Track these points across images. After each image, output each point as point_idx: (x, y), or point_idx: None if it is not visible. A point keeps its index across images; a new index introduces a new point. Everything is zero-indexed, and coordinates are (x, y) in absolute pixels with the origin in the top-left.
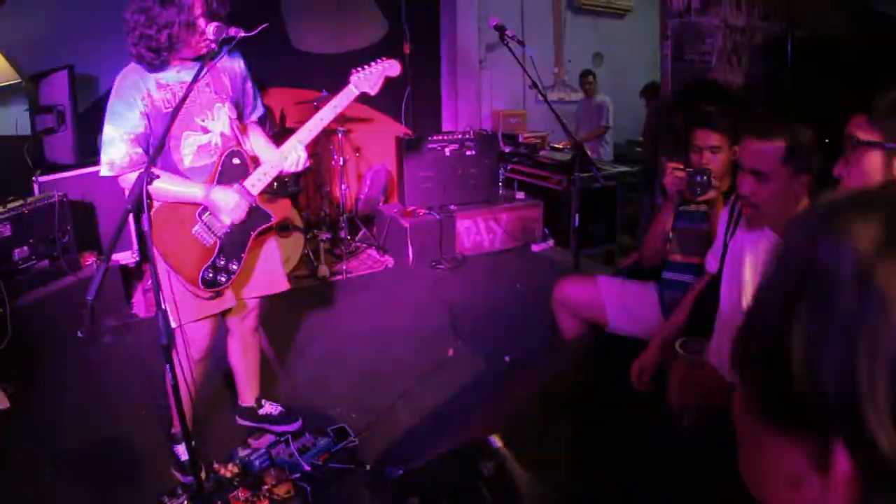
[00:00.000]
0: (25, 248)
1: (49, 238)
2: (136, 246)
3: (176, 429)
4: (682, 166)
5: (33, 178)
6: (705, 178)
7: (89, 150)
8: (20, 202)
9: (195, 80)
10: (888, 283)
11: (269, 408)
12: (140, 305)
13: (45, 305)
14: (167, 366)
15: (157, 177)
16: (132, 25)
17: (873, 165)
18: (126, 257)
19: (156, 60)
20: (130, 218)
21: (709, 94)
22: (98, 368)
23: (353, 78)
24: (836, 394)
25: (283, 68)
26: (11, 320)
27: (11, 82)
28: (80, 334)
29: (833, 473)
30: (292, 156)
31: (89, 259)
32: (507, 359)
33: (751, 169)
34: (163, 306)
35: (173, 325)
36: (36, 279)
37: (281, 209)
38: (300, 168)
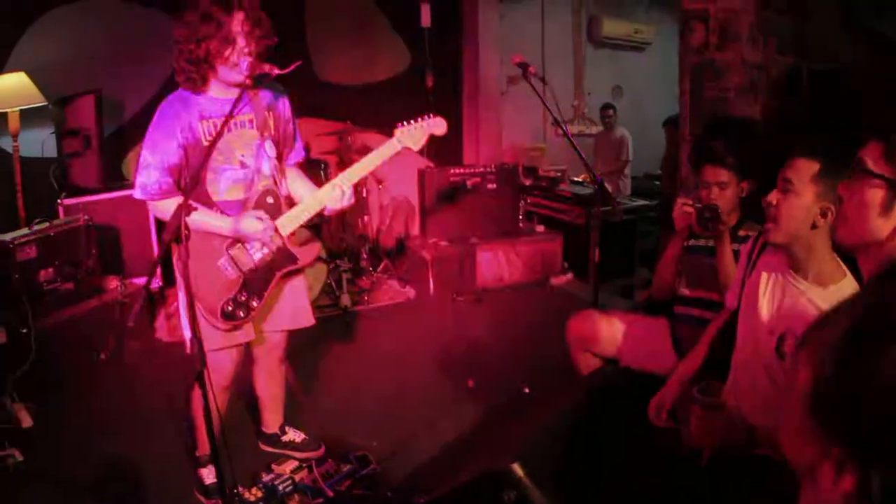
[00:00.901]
0: (51, 269)
1: (74, 261)
2: (159, 271)
3: (200, 452)
4: (690, 202)
5: (58, 201)
6: (713, 214)
7: (114, 174)
8: (46, 224)
9: (231, 112)
10: None
11: (293, 434)
12: (163, 330)
13: (69, 327)
14: (195, 390)
15: (195, 209)
16: (176, 39)
17: (874, 199)
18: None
19: (194, 73)
20: (154, 241)
21: (720, 130)
22: (120, 391)
23: (398, 132)
24: None
25: (307, 98)
26: (36, 340)
27: (37, 105)
28: (101, 357)
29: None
30: (336, 191)
31: (113, 282)
32: (525, 390)
33: (783, 178)
34: (199, 334)
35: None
36: (60, 301)
37: (309, 253)
38: (344, 204)
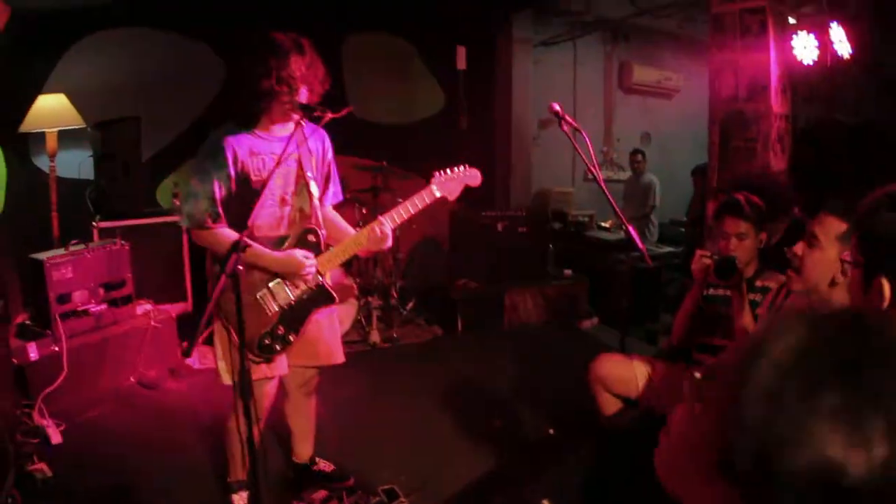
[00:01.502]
0: (85, 291)
1: (108, 283)
2: (190, 297)
3: (232, 478)
4: (709, 254)
5: (93, 223)
6: (730, 265)
7: (150, 200)
8: (82, 246)
9: (283, 154)
10: None
11: (323, 465)
12: (194, 356)
13: (101, 347)
14: (232, 419)
15: (250, 246)
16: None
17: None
18: (181, 308)
19: (249, 112)
20: (187, 267)
21: (743, 183)
22: (149, 414)
23: (435, 181)
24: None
25: (343, 136)
26: (67, 359)
27: (76, 126)
28: (131, 379)
29: None
30: (375, 231)
31: (145, 306)
32: (550, 431)
33: (810, 232)
34: (246, 365)
35: (227, 381)
36: (94, 322)
37: (346, 292)
38: (383, 246)
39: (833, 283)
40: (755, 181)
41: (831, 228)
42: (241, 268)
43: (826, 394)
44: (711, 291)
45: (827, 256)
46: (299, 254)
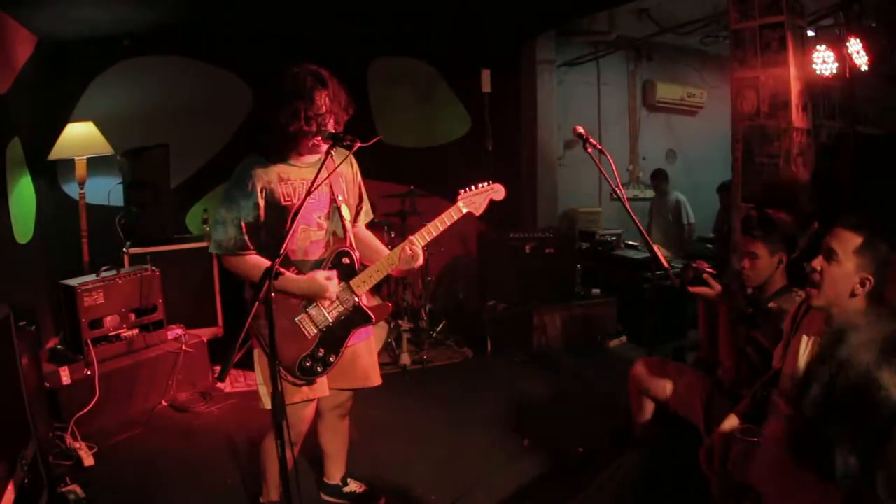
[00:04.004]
0: (116, 316)
1: (140, 308)
2: (220, 322)
3: (265, 499)
4: (693, 264)
5: (124, 250)
6: (695, 275)
7: (179, 227)
8: (114, 272)
9: (314, 182)
10: None
11: (354, 486)
12: (226, 380)
13: (132, 372)
14: (267, 440)
15: (283, 273)
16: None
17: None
18: (211, 332)
19: (280, 146)
20: (217, 293)
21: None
22: (181, 437)
23: (461, 198)
24: None
25: (370, 161)
26: (99, 383)
27: (104, 154)
28: (163, 403)
29: None
30: (406, 251)
31: (176, 331)
32: (580, 450)
33: (827, 246)
34: (280, 388)
35: (268, 406)
36: (125, 346)
37: (382, 311)
38: (414, 266)
39: (853, 295)
40: (779, 193)
41: (848, 242)
42: (273, 294)
43: None
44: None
45: (845, 270)
46: (321, 275)
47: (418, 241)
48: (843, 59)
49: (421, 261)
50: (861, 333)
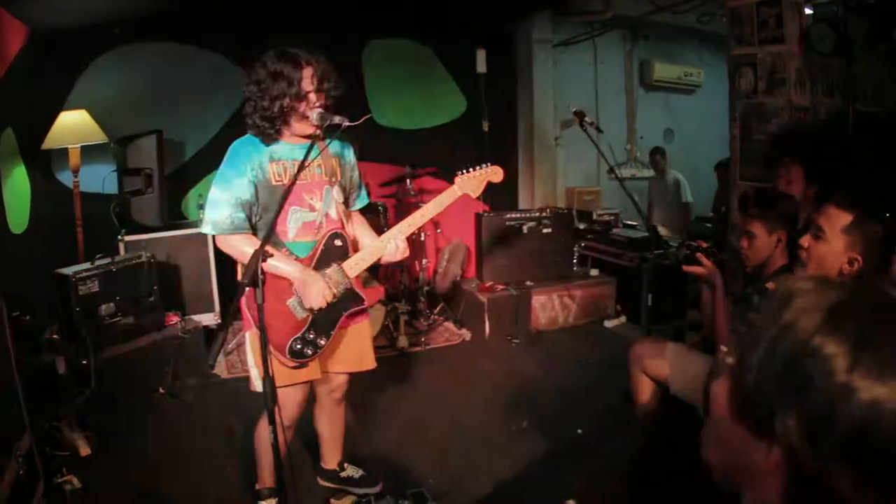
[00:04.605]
0: (112, 304)
1: (135, 296)
2: (217, 308)
3: (260, 485)
4: (707, 249)
5: (118, 237)
6: (690, 252)
7: (174, 213)
8: (108, 260)
9: (304, 161)
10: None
11: (351, 471)
12: (221, 366)
13: (129, 360)
14: (261, 425)
15: (272, 255)
16: (248, 96)
17: None
18: (208, 319)
19: (269, 129)
20: (213, 279)
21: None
22: (178, 424)
23: (458, 179)
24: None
25: (366, 143)
26: (95, 372)
27: (98, 142)
28: (160, 391)
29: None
30: (391, 245)
31: (172, 318)
32: (579, 431)
33: (815, 224)
34: (271, 373)
35: (259, 388)
36: (121, 335)
37: (374, 294)
38: (398, 258)
39: (841, 275)
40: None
41: (837, 220)
42: (263, 276)
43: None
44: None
45: (833, 249)
46: (313, 282)
47: (405, 231)
48: (842, 36)
49: (406, 252)
50: (806, 298)
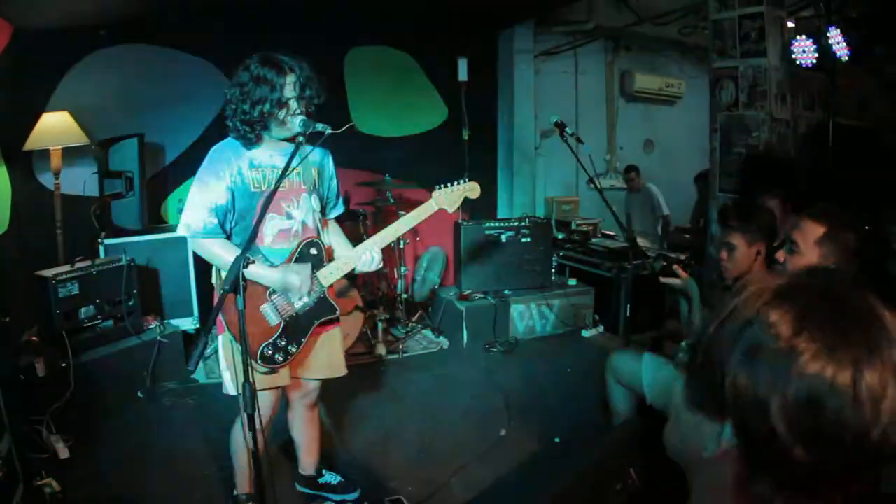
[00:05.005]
0: (91, 307)
1: (115, 299)
2: (196, 313)
3: (238, 491)
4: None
5: (98, 240)
6: (667, 264)
7: (154, 217)
8: (88, 263)
9: (285, 170)
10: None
11: (329, 477)
12: (200, 371)
13: (108, 363)
14: (236, 430)
15: (253, 262)
16: (229, 98)
17: None
18: (187, 323)
19: (249, 133)
20: (192, 283)
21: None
22: (157, 428)
23: (435, 194)
24: (753, 400)
25: (345, 150)
26: (74, 375)
27: (80, 144)
28: (139, 394)
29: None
30: (365, 256)
31: (152, 322)
32: (556, 439)
33: (790, 239)
34: (251, 378)
35: (231, 392)
36: (100, 338)
37: (348, 303)
38: (372, 269)
39: None
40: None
41: (810, 233)
42: (244, 283)
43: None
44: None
45: (807, 261)
46: (292, 269)
47: (380, 243)
48: (823, 50)
49: (380, 265)
50: (756, 285)
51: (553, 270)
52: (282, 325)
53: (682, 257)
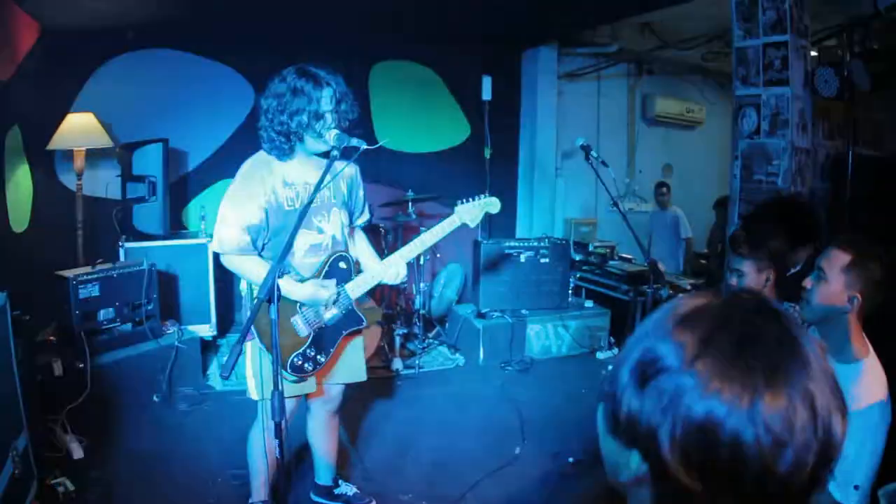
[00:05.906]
0: (111, 309)
1: (135, 303)
2: (214, 319)
3: (254, 498)
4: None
5: (119, 243)
6: (660, 292)
7: (176, 222)
8: (109, 265)
9: (319, 184)
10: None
11: (345, 488)
12: (216, 377)
13: (125, 366)
14: (254, 437)
15: (287, 273)
16: (265, 108)
17: None
18: (204, 330)
19: (285, 144)
20: (211, 291)
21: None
22: (171, 433)
23: (458, 209)
24: (646, 426)
25: (369, 166)
26: (91, 376)
27: (103, 146)
28: (155, 398)
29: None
30: (392, 270)
31: (170, 327)
32: (570, 460)
33: (818, 266)
34: (280, 387)
35: (256, 397)
36: (118, 340)
37: (373, 315)
38: (398, 282)
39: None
40: (780, 208)
41: (836, 261)
42: (278, 293)
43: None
44: None
45: (832, 289)
46: (318, 284)
47: (406, 256)
48: (845, 80)
49: (405, 278)
50: (682, 304)
51: (570, 291)
52: (311, 337)
53: (689, 286)
